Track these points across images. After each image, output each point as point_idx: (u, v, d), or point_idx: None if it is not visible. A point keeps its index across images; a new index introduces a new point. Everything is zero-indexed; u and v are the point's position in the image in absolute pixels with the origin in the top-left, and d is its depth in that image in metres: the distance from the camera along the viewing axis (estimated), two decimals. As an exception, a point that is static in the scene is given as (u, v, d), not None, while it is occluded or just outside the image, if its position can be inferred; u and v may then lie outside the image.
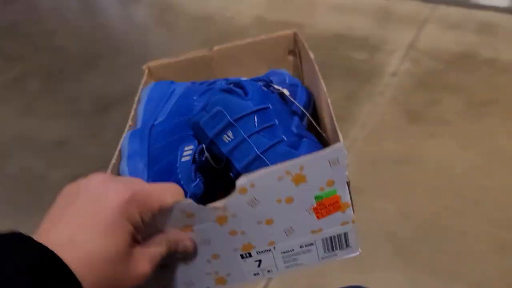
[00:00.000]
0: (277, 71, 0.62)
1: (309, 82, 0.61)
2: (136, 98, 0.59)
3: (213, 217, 0.38)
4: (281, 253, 0.42)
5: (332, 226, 0.41)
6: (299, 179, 0.38)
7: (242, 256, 0.42)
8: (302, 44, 0.62)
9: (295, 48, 0.68)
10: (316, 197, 0.39)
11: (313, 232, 0.41)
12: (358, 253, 0.43)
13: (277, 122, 0.43)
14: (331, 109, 0.44)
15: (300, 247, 0.42)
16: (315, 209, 0.39)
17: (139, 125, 0.54)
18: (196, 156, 0.49)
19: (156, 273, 0.36)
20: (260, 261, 0.42)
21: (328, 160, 0.37)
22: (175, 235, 0.37)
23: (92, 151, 1.45)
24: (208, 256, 0.41)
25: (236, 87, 0.46)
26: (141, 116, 0.55)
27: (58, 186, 0.34)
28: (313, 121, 0.51)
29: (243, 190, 0.37)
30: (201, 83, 0.59)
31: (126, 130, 0.53)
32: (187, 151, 0.48)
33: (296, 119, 0.47)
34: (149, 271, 0.34)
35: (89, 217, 0.31)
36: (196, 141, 0.50)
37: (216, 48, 0.67)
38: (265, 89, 0.47)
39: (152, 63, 0.66)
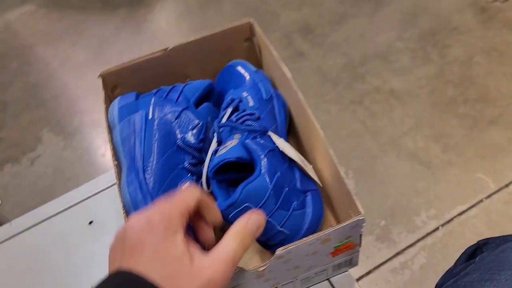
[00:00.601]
0: (239, 70, 0.62)
1: (270, 70, 0.63)
2: (106, 124, 0.55)
3: (253, 276, 0.45)
4: (300, 281, 0.51)
5: (343, 257, 0.50)
6: (325, 241, 0.45)
7: None
8: (259, 33, 0.62)
9: (251, 37, 0.66)
10: (335, 246, 0.47)
11: (327, 264, 0.49)
12: (357, 264, 0.54)
13: (287, 189, 0.47)
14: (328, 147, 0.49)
15: (315, 274, 0.51)
16: (332, 252, 0.48)
17: (123, 162, 0.54)
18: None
19: None
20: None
21: (350, 226, 0.44)
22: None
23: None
24: None
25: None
26: (121, 151, 0.55)
27: None
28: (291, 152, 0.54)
29: (281, 257, 0.42)
30: (166, 95, 0.58)
31: (114, 169, 0.53)
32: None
33: (296, 172, 0.50)
34: (228, 268, 0.35)
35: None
36: (189, 174, 0.53)
37: (171, 47, 0.62)
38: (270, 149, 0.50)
39: (105, 71, 0.61)
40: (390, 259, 1.15)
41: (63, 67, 1.80)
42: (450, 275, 0.55)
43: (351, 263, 0.53)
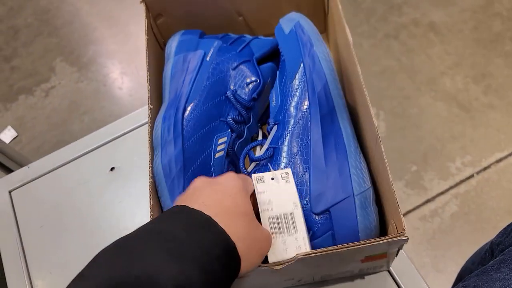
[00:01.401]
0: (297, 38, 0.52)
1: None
2: (146, 60, 0.51)
3: (268, 271, 0.39)
4: (321, 276, 0.45)
5: (373, 264, 0.44)
6: (356, 252, 0.38)
7: (285, 280, 0.44)
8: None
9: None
10: (367, 256, 0.40)
11: (354, 267, 0.43)
12: (388, 269, 0.47)
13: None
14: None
15: (338, 272, 0.45)
16: (362, 260, 0.41)
17: (166, 98, 0.50)
18: (229, 149, 0.48)
19: None
20: (300, 280, 0.45)
21: (388, 243, 0.37)
22: None
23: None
24: (254, 283, 0.43)
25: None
26: (168, 86, 0.50)
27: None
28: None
29: (302, 260, 0.36)
30: (231, 43, 0.54)
31: (148, 114, 0.48)
32: (221, 145, 0.47)
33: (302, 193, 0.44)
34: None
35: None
36: (229, 130, 0.48)
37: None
38: None
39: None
40: (419, 206, 1.10)
41: (74, -9, 1.68)
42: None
43: (382, 268, 0.47)
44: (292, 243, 0.38)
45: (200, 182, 0.38)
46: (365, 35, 1.37)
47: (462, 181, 1.11)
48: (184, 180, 0.44)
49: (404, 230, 0.35)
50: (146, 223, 0.33)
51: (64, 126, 1.40)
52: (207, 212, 0.33)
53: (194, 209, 0.33)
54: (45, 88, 1.49)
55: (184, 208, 0.34)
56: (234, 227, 0.33)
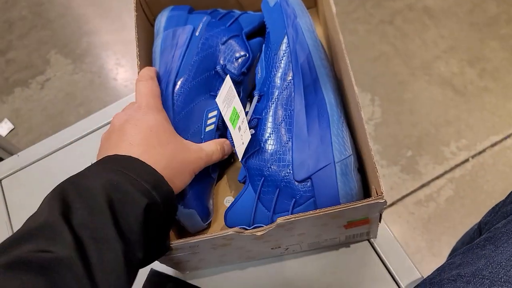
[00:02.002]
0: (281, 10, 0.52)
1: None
2: (135, 37, 0.50)
3: (251, 238, 0.39)
4: (308, 244, 0.45)
5: (357, 230, 0.44)
6: (336, 217, 0.38)
7: (272, 248, 0.44)
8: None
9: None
10: (349, 221, 0.40)
11: (340, 234, 0.43)
12: (375, 237, 0.47)
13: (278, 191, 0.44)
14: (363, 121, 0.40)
15: (325, 240, 0.45)
16: (345, 225, 0.41)
17: (158, 73, 0.50)
18: (219, 123, 0.49)
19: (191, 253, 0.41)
20: (287, 248, 0.45)
21: (368, 206, 0.37)
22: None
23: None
24: (242, 251, 0.43)
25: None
26: (158, 61, 0.51)
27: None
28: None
29: (282, 225, 0.37)
30: (220, 18, 0.54)
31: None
32: (211, 119, 0.48)
33: (289, 157, 0.45)
34: (210, 151, 0.45)
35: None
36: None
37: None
38: None
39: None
40: (414, 191, 1.10)
41: (68, -18, 1.68)
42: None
43: (368, 235, 0.47)
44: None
45: (119, 120, 0.42)
46: (360, 20, 1.36)
47: (457, 166, 1.11)
48: None
49: (382, 193, 0.36)
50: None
51: (60, 117, 1.40)
52: (134, 151, 0.38)
53: (124, 155, 0.38)
54: (41, 80, 1.49)
55: (117, 156, 0.38)
56: (159, 157, 0.39)
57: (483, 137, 1.13)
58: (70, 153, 0.66)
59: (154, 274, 0.51)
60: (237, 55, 0.51)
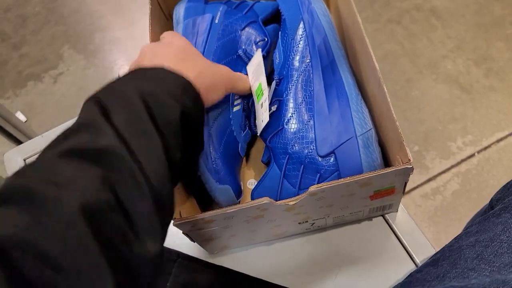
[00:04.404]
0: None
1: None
2: (149, 34, 0.51)
3: (282, 208, 0.41)
4: (333, 218, 0.47)
5: (381, 202, 0.46)
6: (365, 184, 0.40)
7: (299, 223, 0.46)
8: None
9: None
10: (375, 190, 0.42)
11: (365, 206, 0.46)
12: (396, 211, 0.50)
13: (302, 167, 0.45)
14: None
15: (350, 213, 0.47)
16: (371, 196, 0.43)
17: None
18: (245, 104, 0.51)
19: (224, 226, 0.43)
20: (313, 223, 0.48)
21: (395, 173, 0.39)
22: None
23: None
24: (271, 226, 0.45)
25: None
26: None
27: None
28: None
29: (314, 194, 0.39)
30: (235, 7, 0.56)
31: None
32: (237, 100, 0.50)
33: (312, 134, 0.47)
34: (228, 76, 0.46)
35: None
36: None
37: None
38: None
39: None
40: (421, 184, 1.12)
41: (81, -20, 1.71)
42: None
43: (390, 208, 0.49)
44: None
45: (149, 47, 0.43)
46: (369, 20, 1.39)
47: (463, 160, 1.14)
48: (207, 133, 0.46)
49: (410, 160, 0.37)
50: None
51: (73, 110, 1.43)
52: (165, 65, 0.39)
53: (152, 67, 0.38)
54: (53, 74, 1.52)
55: (147, 68, 0.39)
56: (190, 69, 0.39)
57: (488, 133, 1.16)
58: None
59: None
60: (257, 39, 0.53)
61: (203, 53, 0.50)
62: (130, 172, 0.29)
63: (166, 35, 0.46)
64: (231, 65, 0.50)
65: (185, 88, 0.37)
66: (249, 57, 0.51)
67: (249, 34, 0.53)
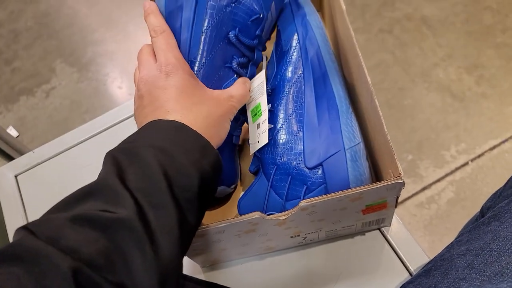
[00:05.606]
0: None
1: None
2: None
3: (274, 223, 0.40)
4: (325, 232, 0.47)
5: (374, 217, 0.46)
6: (356, 199, 0.40)
7: (291, 237, 0.46)
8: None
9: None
10: (367, 205, 0.42)
11: (357, 220, 0.45)
12: (390, 225, 0.49)
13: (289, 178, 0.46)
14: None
15: (342, 227, 0.47)
16: (363, 210, 0.43)
17: None
18: None
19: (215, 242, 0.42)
20: (305, 237, 0.47)
21: (386, 188, 0.38)
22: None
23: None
24: (263, 240, 0.45)
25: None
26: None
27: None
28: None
29: (305, 209, 0.38)
30: None
31: None
32: None
33: (300, 146, 0.47)
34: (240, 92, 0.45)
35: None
36: (235, 75, 0.48)
37: None
38: None
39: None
40: (416, 193, 1.12)
41: (73, -6, 1.71)
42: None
43: (383, 222, 0.48)
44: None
45: (145, 85, 0.41)
46: (360, 30, 1.40)
47: (457, 169, 1.14)
48: None
49: (401, 174, 0.37)
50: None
51: (65, 125, 1.42)
52: (174, 118, 0.38)
53: (167, 120, 0.38)
54: (46, 89, 1.51)
55: (159, 122, 0.38)
56: (197, 120, 0.39)
57: (482, 141, 1.16)
58: (85, 150, 0.68)
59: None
60: (250, 16, 0.46)
61: (189, 44, 0.45)
62: (139, 245, 0.29)
63: (157, 58, 0.42)
64: (222, 53, 0.45)
65: (203, 149, 0.37)
66: (242, 41, 0.46)
67: (242, 9, 0.46)
